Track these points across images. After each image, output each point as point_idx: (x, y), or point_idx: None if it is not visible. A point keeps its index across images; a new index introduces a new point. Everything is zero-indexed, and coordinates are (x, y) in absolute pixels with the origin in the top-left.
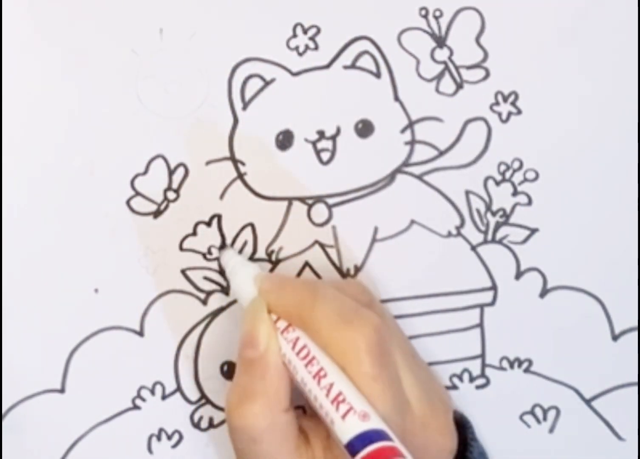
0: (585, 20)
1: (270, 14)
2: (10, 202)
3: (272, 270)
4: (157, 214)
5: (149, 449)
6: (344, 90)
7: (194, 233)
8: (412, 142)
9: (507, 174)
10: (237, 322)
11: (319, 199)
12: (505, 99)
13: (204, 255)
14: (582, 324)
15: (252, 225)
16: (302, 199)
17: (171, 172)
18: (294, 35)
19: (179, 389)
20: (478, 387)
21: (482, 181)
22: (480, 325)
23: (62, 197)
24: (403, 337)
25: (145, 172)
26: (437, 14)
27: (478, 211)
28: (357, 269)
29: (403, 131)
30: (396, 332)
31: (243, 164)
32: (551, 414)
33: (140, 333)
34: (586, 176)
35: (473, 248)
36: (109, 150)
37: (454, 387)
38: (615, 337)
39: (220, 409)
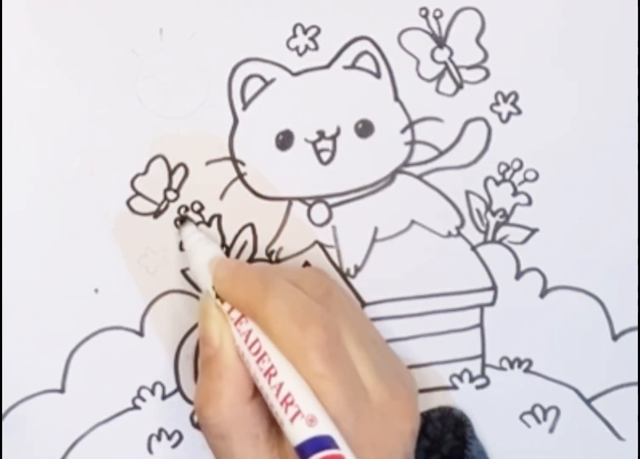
0: (586, 21)
1: (270, 14)
2: (11, 202)
3: None
4: (157, 214)
5: (149, 449)
6: (344, 90)
7: None
8: (412, 142)
9: (507, 174)
10: None
11: (319, 199)
12: (505, 99)
13: None
14: (582, 324)
15: (252, 225)
16: (302, 199)
17: (171, 172)
18: (294, 36)
19: (179, 389)
20: (478, 387)
21: (482, 181)
22: (480, 325)
23: (62, 198)
24: (363, 325)
25: (146, 172)
26: (437, 14)
27: (478, 211)
28: (357, 269)
29: (403, 131)
30: (354, 323)
31: (243, 164)
32: (551, 414)
33: (140, 333)
34: (586, 176)
35: (473, 248)
36: (109, 150)
37: (454, 387)
38: (615, 337)
39: None
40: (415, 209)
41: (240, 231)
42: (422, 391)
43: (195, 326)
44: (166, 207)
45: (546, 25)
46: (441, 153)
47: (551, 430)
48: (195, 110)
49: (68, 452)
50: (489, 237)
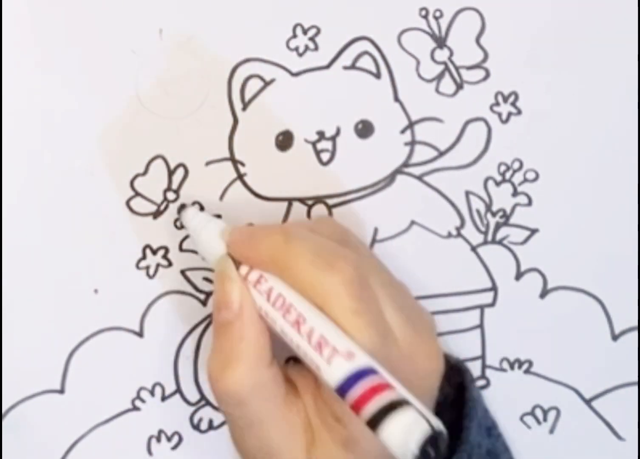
0: (585, 21)
1: (270, 14)
2: (10, 202)
3: None
4: (156, 214)
5: (149, 451)
6: (344, 90)
7: None
8: (412, 143)
9: (507, 175)
10: None
11: (318, 199)
12: (505, 100)
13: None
14: (582, 324)
15: (252, 225)
16: (302, 200)
17: (171, 173)
18: (294, 36)
19: (178, 390)
20: (479, 388)
21: (482, 182)
22: (481, 326)
23: (62, 198)
24: (382, 268)
25: (145, 172)
26: (437, 14)
27: (478, 212)
28: None
29: (403, 131)
30: (374, 265)
31: (243, 164)
32: (551, 414)
33: (140, 334)
34: (586, 176)
35: (473, 249)
36: (109, 150)
37: None
38: (615, 338)
39: (220, 410)
40: (415, 209)
41: None
42: None
43: (194, 327)
44: (166, 208)
45: (546, 26)
46: (441, 153)
47: (551, 431)
48: (195, 111)
49: (67, 453)
50: (489, 237)
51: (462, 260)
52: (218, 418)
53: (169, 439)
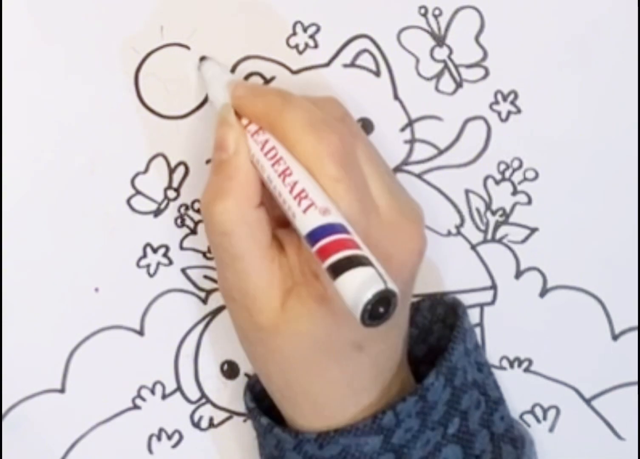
0: (585, 19)
1: (270, 12)
2: (11, 201)
3: None
4: (157, 212)
5: (149, 449)
6: (344, 88)
7: (194, 232)
8: (412, 141)
9: (507, 173)
10: None
11: None
12: (504, 98)
13: (204, 254)
14: (582, 323)
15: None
16: None
17: (171, 171)
18: (294, 34)
19: (179, 388)
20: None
21: (481, 180)
22: (480, 324)
23: (63, 196)
24: (375, 153)
25: (146, 171)
26: (437, 12)
27: (478, 210)
28: None
29: (402, 129)
30: (367, 146)
31: None
32: (551, 413)
33: (141, 332)
34: (586, 175)
35: (473, 247)
36: (110, 149)
37: None
38: (615, 337)
39: (221, 408)
40: None
41: None
42: None
43: (195, 325)
44: (166, 206)
45: (545, 24)
46: (441, 152)
47: (551, 429)
48: (195, 109)
49: (68, 452)
50: (489, 236)
51: (462, 258)
52: (218, 416)
53: (169, 437)
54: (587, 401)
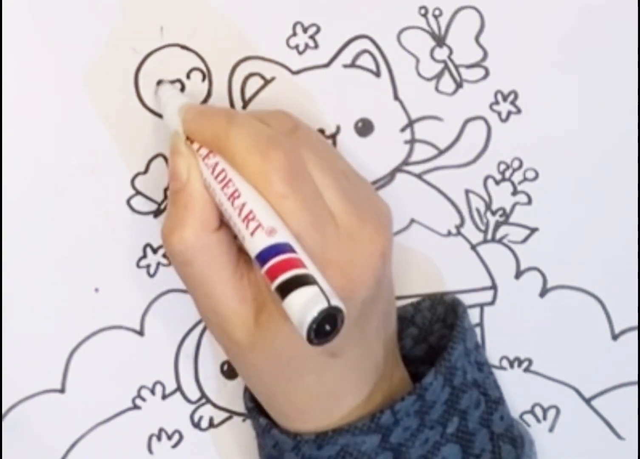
0: (585, 19)
1: (270, 12)
2: (10, 201)
3: None
4: (157, 213)
5: (149, 450)
6: (344, 89)
7: None
8: (412, 141)
9: (507, 174)
10: None
11: None
12: (504, 98)
13: None
14: (582, 323)
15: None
16: None
17: None
18: (294, 34)
19: (179, 388)
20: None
21: (481, 180)
22: (480, 324)
23: (63, 197)
24: (329, 157)
25: (146, 171)
26: (437, 13)
27: (478, 210)
28: None
29: (403, 129)
30: (324, 153)
31: None
32: (551, 413)
33: (141, 333)
34: (586, 175)
35: (473, 247)
36: (109, 149)
37: None
38: (615, 337)
39: (221, 408)
40: (414, 208)
41: None
42: None
43: (195, 326)
44: (166, 207)
45: (545, 24)
46: (441, 152)
47: (551, 429)
48: None
49: (68, 452)
50: (489, 236)
51: (462, 259)
52: (218, 416)
53: (169, 437)
54: (587, 401)
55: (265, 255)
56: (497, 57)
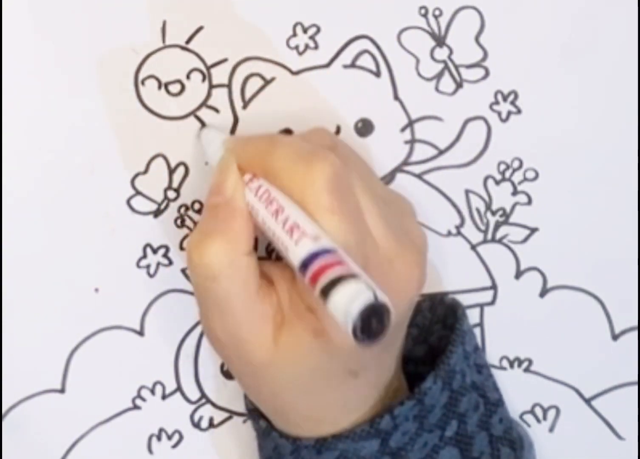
0: (585, 19)
1: (270, 13)
2: (10, 201)
3: None
4: (157, 213)
5: (149, 450)
6: (344, 89)
7: None
8: (412, 141)
9: (507, 174)
10: None
11: None
12: (505, 98)
13: None
14: (582, 323)
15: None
16: None
17: (171, 172)
18: (294, 35)
19: (179, 388)
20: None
21: (481, 180)
22: (480, 324)
23: (62, 197)
24: (371, 180)
25: (146, 171)
26: (437, 13)
27: (478, 210)
28: None
29: (403, 129)
30: (362, 175)
31: None
32: (551, 413)
33: (141, 333)
34: (586, 175)
35: (473, 247)
36: (109, 149)
37: None
38: (615, 337)
39: (221, 409)
40: (415, 208)
41: None
42: None
43: (195, 326)
44: (166, 207)
45: (545, 24)
46: (441, 152)
47: (551, 429)
48: (195, 109)
49: (68, 452)
50: (489, 236)
51: (462, 259)
52: (218, 416)
53: (169, 437)
54: (587, 401)
55: (310, 260)
56: (497, 57)
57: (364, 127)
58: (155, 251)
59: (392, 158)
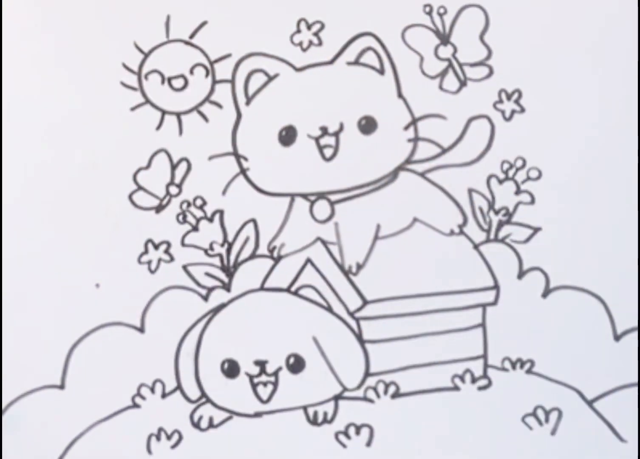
0: (589, 19)
1: (274, 9)
2: (13, 196)
3: (274, 266)
4: (159, 208)
5: (148, 450)
6: (348, 86)
7: (196, 229)
8: (415, 140)
9: (510, 173)
10: (238, 319)
11: (321, 195)
12: (508, 97)
13: (205, 251)
14: (585, 324)
15: (254, 221)
16: (304, 196)
17: (174, 167)
18: (298, 31)
19: (179, 387)
20: (480, 388)
21: (485, 179)
22: (483, 325)
23: (65, 192)
24: None
25: (148, 166)
26: (441, 11)
27: (481, 210)
28: (359, 266)
29: (406, 127)
30: None
31: (246, 159)
32: (553, 416)
33: (141, 329)
34: (589, 174)
35: (475, 247)
36: (112, 144)
37: (456, 388)
38: (617, 338)
39: (221, 408)
40: (417, 206)
41: (242, 227)
42: (423, 391)
43: (195, 323)
44: (168, 202)
45: (550, 24)
46: (444, 151)
47: (553, 432)
48: (198, 105)
49: (67, 450)
50: (492, 235)
51: (464, 258)
52: (218, 416)
53: (168, 437)
54: (589, 403)
55: None
56: (501, 56)
57: (367, 125)
58: (156, 247)
59: (395, 156)
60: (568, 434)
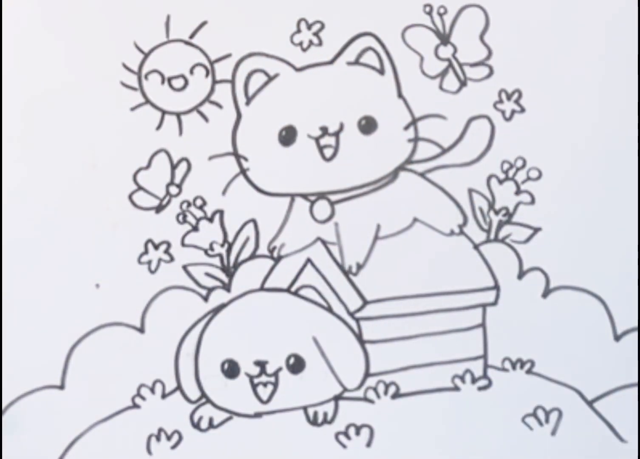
0: (589, 19)
1: (274, 9)
2: (12, 196)
3: (274, 266)
4: (159, 208)
5: (148, 450)
6: (348, 86)
7: (196, 229)
8: (416, 140)
9: (511, 173)
10: (238, 319)
11: (321, 195)
12: (509, 97)
13: (205, 251)
14: (585, 324)
15: (254, 221)
16: (304, 196)
17: (174, 167)
18: (298, 31)
19: (179, 387)
20: (480, 388)
21: (485, 179)
22: (483, 325)
23: (64, 191)
24: None
25: (148, 166)
26: (442, 11)
27: (481, 210)
28: (359, 266)
29: (406, 128)
30: None
31: (246, 159)
32: (553, 416)
33: (141, 330)
34: (589, 175)
35: (475, 247)
36: (112, 144)
37: (456, 388)
38: (617, 338)
39: (221, 409)
40: (418, 206)
41: (242, 227)
42: (423, 392)
43: (195, 323)
44: (168, 202)
45: (550, 24)
46: (444, 151)
47: (553, 432)
48: (198, 105)
49: (67, 451)
50: (492, 236)
51: (465, 258)
52: (218, 417)
53: (168, 438)
54: (590, 403)
55: None
56: (501, 56)
57: (367, 125)
58: (156, 247)
59: (395, 156)
60: (568, 435)
